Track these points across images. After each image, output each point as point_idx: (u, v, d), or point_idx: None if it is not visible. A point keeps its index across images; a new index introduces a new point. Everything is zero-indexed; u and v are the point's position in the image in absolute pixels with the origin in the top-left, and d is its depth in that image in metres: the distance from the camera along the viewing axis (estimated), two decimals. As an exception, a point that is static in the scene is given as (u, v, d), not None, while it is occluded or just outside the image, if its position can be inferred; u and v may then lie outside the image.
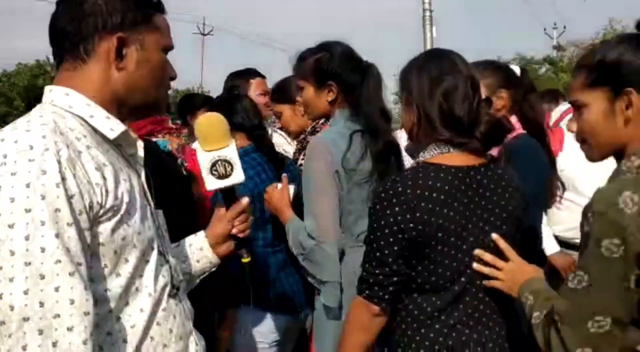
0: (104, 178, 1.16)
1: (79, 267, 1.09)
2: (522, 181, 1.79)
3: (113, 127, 1.24)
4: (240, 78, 3.32)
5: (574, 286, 1.37)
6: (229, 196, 1.56)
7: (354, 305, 1.69)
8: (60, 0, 1.27)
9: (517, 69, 2.61)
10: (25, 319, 1.03)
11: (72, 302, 1.06)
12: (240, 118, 2.53)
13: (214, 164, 1.50)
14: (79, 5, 1.24)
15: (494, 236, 1.64)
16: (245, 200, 1.58)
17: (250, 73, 3.37)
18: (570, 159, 3.22)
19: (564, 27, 30.26)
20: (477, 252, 1.61)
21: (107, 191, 1.16)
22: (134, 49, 1.26)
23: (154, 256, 1.27)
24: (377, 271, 1.61)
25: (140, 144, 1.33)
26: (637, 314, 1.33)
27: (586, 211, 1.34)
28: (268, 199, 2.31)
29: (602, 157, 1.49)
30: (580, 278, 1.35)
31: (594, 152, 1.48)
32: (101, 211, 1.15)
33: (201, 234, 1.60)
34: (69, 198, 1.09)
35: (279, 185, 2.32)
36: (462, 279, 1.62)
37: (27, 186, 1.06)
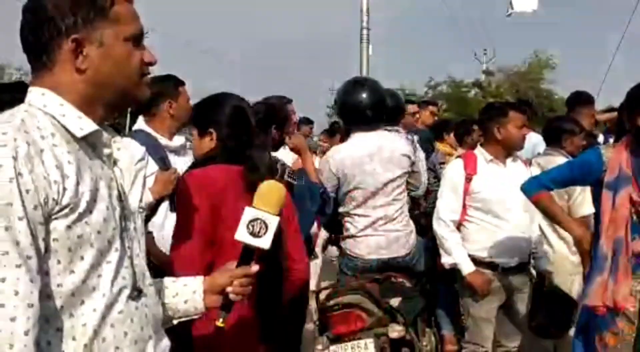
0: (64, 176, 1.18)
1: (27, 260, 1.10)
2: None
3: (83, 126, 1.26)
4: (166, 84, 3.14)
5: None
6: (246, 255, 1.59)
7: None
8: (24, 9, 1.29)
9: None
10: None
11: (16, 293, 1.08)
12: None
13: (253, 220, 1.56)
14: (35, 14, 1.26)
15: None
16: (255, 268, 1.59)
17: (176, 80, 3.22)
18: (484, 183, 3.44)
19: (494, 53, 30.82)
20: None
21: (64, 188, 1.17)
22: (93, 47, 1.27)
23: (114, 257, 1.27)
24: None
25: (117, 145, 1.36)
26: None
27: None
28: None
29: None
30: None
31: None
32: (56, 208, 1.16)
33: (199, 278, 1.62)
34: (23, 193, 1.11)
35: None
36: None
37: None
